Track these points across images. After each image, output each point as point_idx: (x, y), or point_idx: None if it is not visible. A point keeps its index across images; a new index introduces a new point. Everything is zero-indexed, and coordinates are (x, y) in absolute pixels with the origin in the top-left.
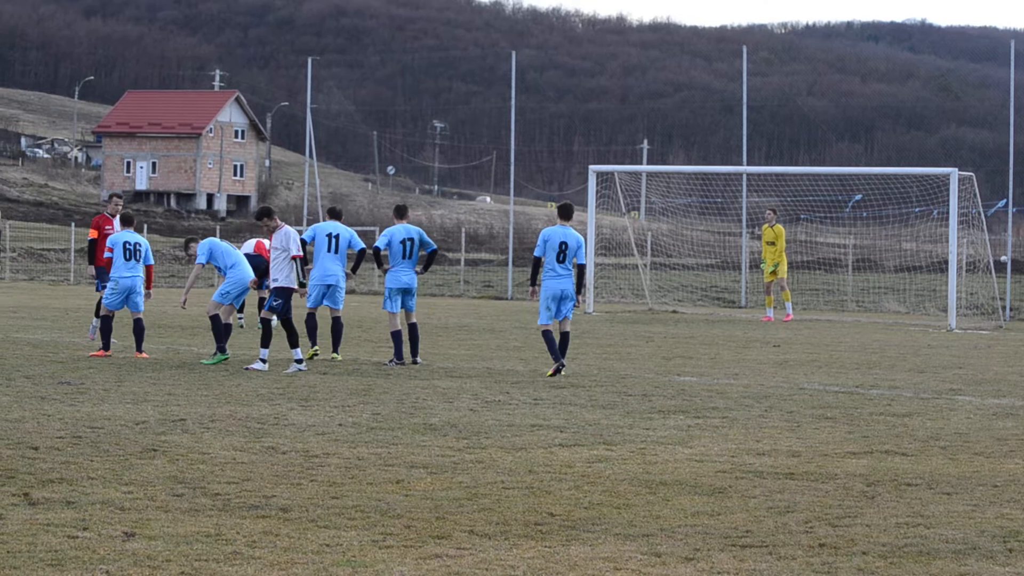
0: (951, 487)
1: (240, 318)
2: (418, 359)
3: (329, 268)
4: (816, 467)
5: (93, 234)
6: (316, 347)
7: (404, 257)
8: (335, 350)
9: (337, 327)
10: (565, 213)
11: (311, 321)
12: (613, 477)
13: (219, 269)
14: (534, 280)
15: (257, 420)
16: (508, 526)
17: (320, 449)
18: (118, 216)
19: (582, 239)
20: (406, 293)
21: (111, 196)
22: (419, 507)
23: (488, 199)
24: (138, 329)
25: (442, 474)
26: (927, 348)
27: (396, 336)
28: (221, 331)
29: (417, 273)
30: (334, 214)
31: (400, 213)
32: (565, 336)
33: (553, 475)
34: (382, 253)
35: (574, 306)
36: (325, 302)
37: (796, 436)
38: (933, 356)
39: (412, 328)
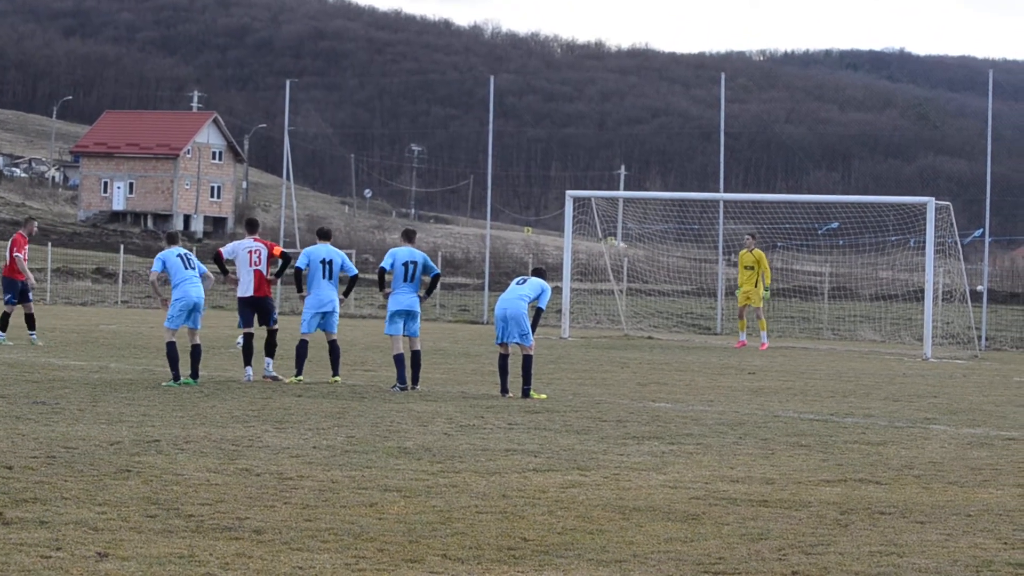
0: (925, 516)
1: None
2: (417, 387)
3: (325, 295)
4: (790, 495)
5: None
6: (301, 376)
7: (406, 280)
8: (335, 373)
9: (334, 350)
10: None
11: (303, 348)
12: (587, 502)
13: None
14: None
15: (231, 442)
16: (481, 550)
17: (294, 471)
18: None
19: (543, 286)
20: (408, 316)
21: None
22: (392, 530)
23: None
24: None
25: (416, 498)
26: (902, 377)
27: (398, 360)
28: (176, 358)
29: (420, 298)
30: (323, 235)
31: (408, 237)
32: (523, 360)
33: (527, 500)
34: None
35: (526, 329)
36: (320, 327)
37: (770, 463)
38: (908, 385)
39: (414, 356)
